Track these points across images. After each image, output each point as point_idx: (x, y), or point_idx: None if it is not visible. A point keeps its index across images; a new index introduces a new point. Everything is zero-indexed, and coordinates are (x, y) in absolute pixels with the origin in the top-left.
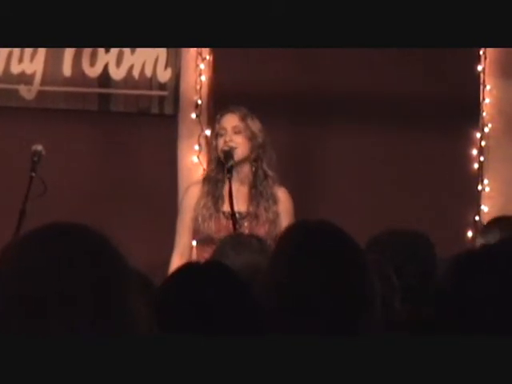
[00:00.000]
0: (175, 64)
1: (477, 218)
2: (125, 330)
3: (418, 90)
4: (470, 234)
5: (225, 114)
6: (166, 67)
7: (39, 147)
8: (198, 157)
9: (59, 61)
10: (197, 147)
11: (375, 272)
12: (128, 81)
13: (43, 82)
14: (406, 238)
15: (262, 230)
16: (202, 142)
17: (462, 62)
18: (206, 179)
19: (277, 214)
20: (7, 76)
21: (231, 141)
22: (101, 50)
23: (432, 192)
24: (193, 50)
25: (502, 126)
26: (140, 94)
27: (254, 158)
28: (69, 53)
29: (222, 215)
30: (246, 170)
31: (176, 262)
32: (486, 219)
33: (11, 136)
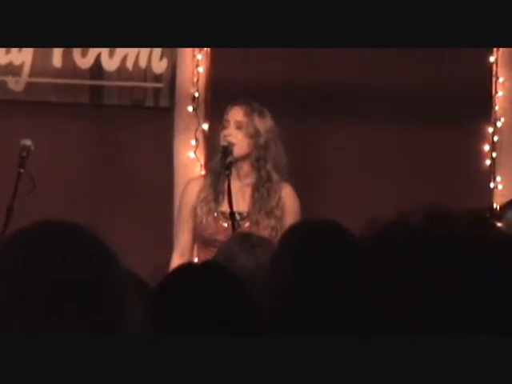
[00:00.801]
0: (171, 54)
1: None
2: (119, 329)
3: (427, 82)
4: None
5: (233, 105)
6: (161, 58)
7: (28, 142)
8: (194, 152)
9: (49, 51)
10: (193, 142)
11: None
12: (121, 72)
13: (32, 74)
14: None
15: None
16: (199, 136)
17: (473, 53)
18: (209, 171)
19: (279, 219)
20: None
21: (231, 135)
22: None
23: (442, 189)
24: None
25: None
26: (134, 85)
27: (256, 158)
28: None
29: (221, 216)
30: (246, 168)
31: (176, 261)
32: None
33: None
